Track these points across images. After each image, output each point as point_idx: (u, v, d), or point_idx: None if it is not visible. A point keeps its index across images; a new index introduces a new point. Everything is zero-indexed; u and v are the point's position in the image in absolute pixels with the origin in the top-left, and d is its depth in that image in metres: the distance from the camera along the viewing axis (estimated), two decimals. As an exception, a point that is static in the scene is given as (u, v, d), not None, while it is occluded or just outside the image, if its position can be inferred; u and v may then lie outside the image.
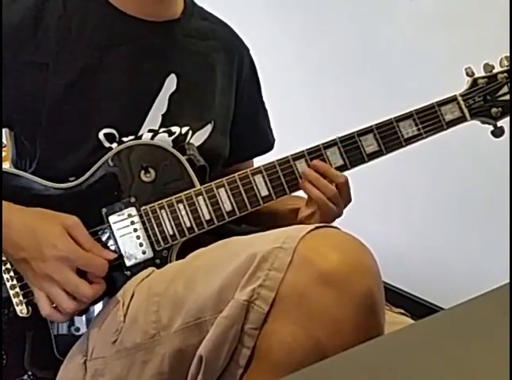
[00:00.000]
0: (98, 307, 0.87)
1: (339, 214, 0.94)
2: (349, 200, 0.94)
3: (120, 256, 0.87)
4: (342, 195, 0.91)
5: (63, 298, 0.79)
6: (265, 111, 1.15)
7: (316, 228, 0.70)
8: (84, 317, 0.88)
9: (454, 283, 1.81)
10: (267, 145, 1.15)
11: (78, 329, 0.88)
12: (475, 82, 0.94)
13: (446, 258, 1.90)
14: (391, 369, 0.47)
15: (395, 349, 0.51)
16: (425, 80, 1.75)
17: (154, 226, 0.88)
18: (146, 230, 0.88)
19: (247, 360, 0.68)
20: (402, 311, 0.95)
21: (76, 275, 0.80)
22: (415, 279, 2.00)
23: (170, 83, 0.96)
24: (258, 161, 1.01)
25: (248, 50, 1.11)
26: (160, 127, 0.94)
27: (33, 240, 0.80)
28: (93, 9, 0.94)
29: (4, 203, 0.83)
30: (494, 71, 0.94)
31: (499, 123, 0.95)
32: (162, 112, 0.95)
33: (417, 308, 1.89)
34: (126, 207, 0.89)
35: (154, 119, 0.94)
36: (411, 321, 0.91)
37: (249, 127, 1.11)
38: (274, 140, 1.16)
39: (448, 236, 1.90)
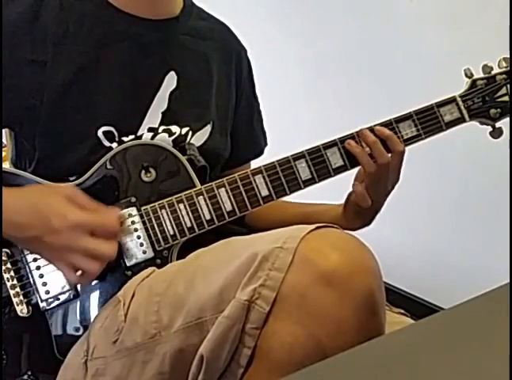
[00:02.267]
0: (96, 309, 0.87)
1: (386, 192, 0.94)
2: (397, 180, 0.93)
3: (121, 256, 0.87)
4: (393, 167, 0.90)
5: (88, 262, 0.79)
6: (260, 114, 1.15)
7: (317, 228, 0.70)
8: (84, 317, 0.88)
9: (454, 283, 1.81)
10: (258, 149, 1.14)
11: (78, 329, 0.88)
12: (474, 83, 0.94)
13: (446, 258, 1.90)
14: (392, 369, 0.47)
15: (395, 349, 0.50)
16: (424, 81, 1.75)
17: (155, 225, 0.88)
18: (146, 230, 0.88)
19: (248, 360, 0.68)
20: (402, 311, 0.95)
21: (92, 238, 0.79)
22: (415, 279, 2.00)
23: (170, 80, 0.96)
24: (258, 162, 1.02)
25: (246, 51, 1.11)
26: (160, 124, 0.94)
27: (39, 215, 0.79)
28: (91, 6, 0.93)
29: None
30: (493, 72, 0.94)
31: (498, 124, 0.95)
32: (163, 110, 0.95)
33: (417, 308, 1.88)
34: (126, 207, 0.89)
35: (153, 116, 0.94)
36: (411, 321, 0.91)
37: (244, 129, 1.10)
38: (266, 145, 1.15)
39: (448, 236, 1.90)
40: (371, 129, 0.91)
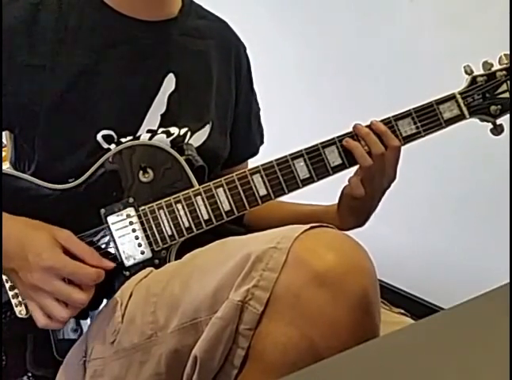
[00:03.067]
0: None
1: (381, 189, 0.93)
2: (394, 177, 0.93)
3: (119, 257, 0.87)
4: (389, 163, 0.90)
5: (55, 307, 0.78)
6: (257, 111, 1.15)
7: (311, 228, 0.69)
8: (82, 318, 0.88)
9: (454, 283, 1.80)
10: (254, 148, 1.14)
11: (76, 330, 0.88)
12: (474, 80, 0.94)
13: (446, 258, 1.90)
14: (391, 369, 0.47)
15: (395, 349, 0.50)
16: (424, 79, 1.74)
17: (153, 226, 0.88)
18: (144, 231, 0.88)
19: (242, 360, 0.68)
20: (402, 311, 0.95)
21: (64, 284, 0.78)
22: (415, 279, 1.99)
23: (169, 83, 0.96)
24: (257, 162, 1.01)
25: (245, 48, 1.11)
26: (159, 127, 0.94)
27: (20, 250, 0.79)
28: (90, 10, 0.93)
29: None
30: (493, 69, 0.94)
31: (498, 121, 0.95)
32: (161, 112, 0.95)
33: (417, 308, 1.88)
34: (125, 208, 0.88)
35: (152, 119, 0.94)
36: (411, 321, 0.90)
37: (243, 127, 1.10)
38: (262, 143, 1.15)
39: (448, 236, 1.89)
40: (368, 125, 0.91)
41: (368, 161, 0.89)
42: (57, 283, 0.78)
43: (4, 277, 0.87)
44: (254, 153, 1.14)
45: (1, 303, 0.87)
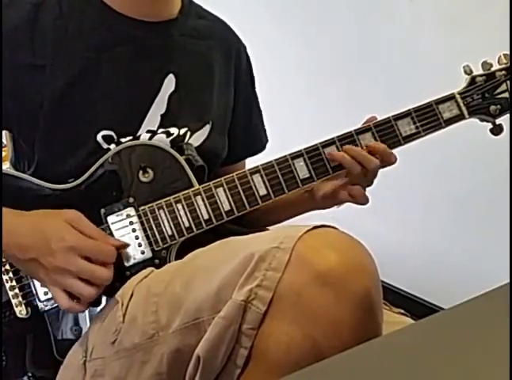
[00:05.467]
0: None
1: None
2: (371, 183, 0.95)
3: (119, 257, 0.87)
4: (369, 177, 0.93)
5: (81, 286, 0.80)
6: (260, 110, 1.15)
7: (314, 228, 0.69)
8: (83, 317, 0.88)
9: (454, 283, 1.80)
10: (259, 145, 1.15)
11: (77, 330, 0.88)
12: (473, 80, 0.94)
13: (446, 258, 1.90)
14: (391, 369, 0.47)
15: (395, 349, 0.50)
16: (424, 79, 1.74)
17: (153, 226, 0.88)
18: (144, 231, 0.88)
19: (245, 360, 0.68)
20: (402, 311, 0.95)
21: (87, 262, 0.80)
22: (415, 279, 1.99)
23: (169, 83, 0.96)
24: (256, 161, 1.01)
25: (245, 47, 1.11)
26: (159, 127, 0.94)
27: (41, 237, 0.81)
28: (90, 10, 0.93)
29: (3, 209, 0.83)
30: (493, 69, 0.94)
31: (498, 121, 0.95)
32: (161, 113, 0.95)
33: (417, 308, 1.88)
34: (125, 208, 0.88)
35: (152, 119, 0.94)
36: (411, 321, 0.90)
37: (243, 126, 1.10)
38: (267, 141, 1.16)
39: (448, 236, 1.90)
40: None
41: (357, 169, 0.90)
42: (81, 261, 0.80)
43: (4, 277, 0.87)
44: (259, 149, 1.14)
45: (1, 303, 0.87)
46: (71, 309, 0.82)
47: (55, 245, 0.79)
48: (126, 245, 0.87)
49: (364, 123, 0.94)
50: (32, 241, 0.81)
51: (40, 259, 0.80)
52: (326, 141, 0.92)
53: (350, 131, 0.92)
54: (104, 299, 0.86)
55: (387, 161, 0.92)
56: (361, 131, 0.92)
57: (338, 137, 0.92)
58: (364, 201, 0.94)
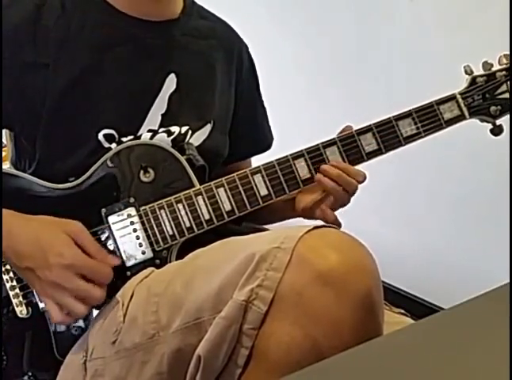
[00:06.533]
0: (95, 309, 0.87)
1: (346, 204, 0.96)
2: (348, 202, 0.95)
3: (120, 257, 0.87)
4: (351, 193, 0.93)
5: (74, 303, 0.80)
6: (264, 109, 1.15)
7: (315, 228, 0.69)
8: (83, 317, 0.88)
9: (454, 283, 1.80)
10: (265, 144, 1.15)
11: (77, 330, 0.88)
12: (474, 81, 0.94)
13: (446, 258, 1.90)
14: (391, 369, 0.47)
15: (395, 349, 0.50)
16: (424, 79, 1.74)
17: (154, 226, 0.88)
18: (145, 231, 0.88)
19: (246, 360, 0.68)
20: (402, 311, 0.95)
21: (84, 281, 0.80)
22: (415, 279, 1.99)
23: (170, 83, 0.96)
24: (257, 161, 1.01)
25: (247, 47, 1.11)
26: (160, 127, 0.94)
27: (38, 248, 0.80)
28: (92, 9, 0.94)
29: (6, 211, 0.83)
30: (493, 69, 0.94)
31: (498, 122, 0.95)
32: (162, 112, 0.95)
33: (417, 308, 1.88)
34: (125, 208, 0.88)
35: (153, 119, 0.94)
36: (411, 321, 0.90)
37: (247, 125, 1.11)
38: (272, 139, 1.16)
39: (448, 236, 1.90)
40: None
41: (339, 191, 0.91)
42: (77, 280, 0.80)
43: (5, 277, 0.87)
44: (265, 148, 1.14)
45: (1, 303, 0.87)
46: (63, 322, 0.83)
47: (52, 260, 0.79)
48: (117, 263, 0.86)
49: (340, 133, 0.94)
50: (30, 250, 0.80)
51: (36, 270, 0.80)
52: (327, 141, 0.92)
53: (351, 132, 0.92)
54: (93, 312, 0.87)
55: (357, 179, 0.92)
56: (362, 132, 0.92)
57: (338, 137, 0.92)
58: (332, 219, 0.94)
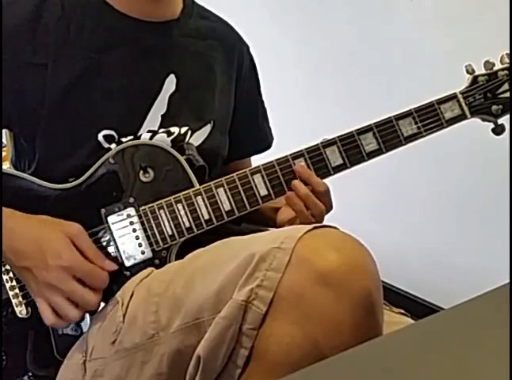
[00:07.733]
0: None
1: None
2: (330, 208, 0.94)
3: (119, 257, 0.87)
4: (324, 204, 0.92)
5: (68, 307, 0.80)
6: (264, 109, 1.15)
7: (315, 228, 0.69)
8: (83, 317, 0.88)
9: (454, 283, 1.80)
10: (265, 143, 1.15)
11: (77, 330, 0.88)
12: (475, 80, 0.94)
13: (446, 258, 1.89)
14: (391, 369, 0.47)
15: (395, 349, 0.50)
16: (425, 79, 1.74)
17: (154, 226, 0.88)
18: (145, 231, 0.88)
19: (245, 360, 0.68)
20: (402, 311, 0.95)
21: (80, 285, 0.80)
22: (415, 279, 1.99)
23: (170, 84, 0.96)
24: (257, 161, 1.01)
25: (248, 47, 1.11)
26: (159, 127, 0.94)
27: (37, 248, 0.80)
28: (92, 10, 0.93)
29: (7, 210, 0.83)
30: (495, 69, 0.94)
31: (500, 121, 0.95)
32: (162, 113, 0.95)
33: (417, 308, 1.88)
34: (125, 208, 0.88)
35: (153, 119, 0.94)
36: (411, 321, 0.90)
37: (247, 125, 1.11)
38: (273, 139, 1.16)
39: (448, 236, 1.89)
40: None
41: (305, 216, 0.91)
42: (73, 283, 0.80)
43: (4, 277, 0.87)
44: (266, 148, 1.15)
45: (1, 303, 0.87)
46: (55, 325, 0.82)
47: (51, 261, 0.79)
48: (115, 268, 0.85)
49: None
50: (28, 250, 0.80)
51: (34, 270, 0.80)
52: (327, 141, 0.92)
53: (351, 131, 0.92)
54: (87, 316, 0.86)
55: (316, 189, 0.91)
56: (362, 132, 0.92)
57: (339, 137, 0.92)
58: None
